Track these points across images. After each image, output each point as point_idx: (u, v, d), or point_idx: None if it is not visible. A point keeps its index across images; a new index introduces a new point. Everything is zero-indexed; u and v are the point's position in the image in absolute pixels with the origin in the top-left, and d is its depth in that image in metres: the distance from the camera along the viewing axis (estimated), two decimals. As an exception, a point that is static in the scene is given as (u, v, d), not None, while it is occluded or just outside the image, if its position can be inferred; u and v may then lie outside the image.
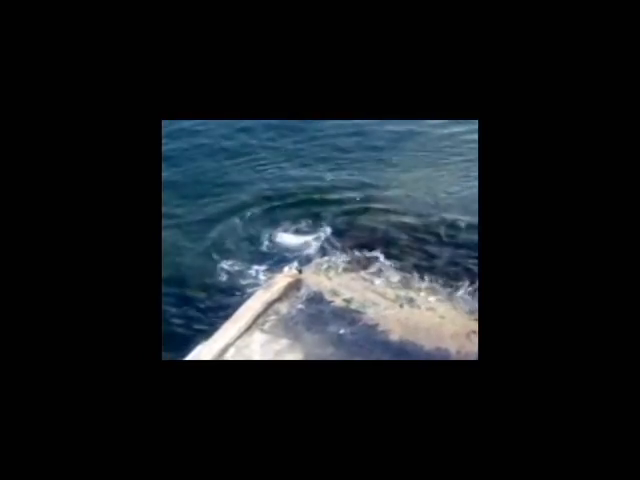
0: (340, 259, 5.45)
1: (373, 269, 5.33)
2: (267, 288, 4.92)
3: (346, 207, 6.65)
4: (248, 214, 6.63)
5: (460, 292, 5.03)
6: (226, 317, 4.74)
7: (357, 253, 5.59)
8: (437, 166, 7.46)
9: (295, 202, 6.81)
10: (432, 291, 5.04)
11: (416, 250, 5.78)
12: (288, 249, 5.98)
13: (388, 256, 5.54)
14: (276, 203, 6.79)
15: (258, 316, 4.63)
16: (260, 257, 5.93)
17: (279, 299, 4.82)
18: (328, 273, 5.20)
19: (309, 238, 6.07)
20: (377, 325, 4.61)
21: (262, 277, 5.52)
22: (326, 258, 5.51)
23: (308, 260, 5.66)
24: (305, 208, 6.66)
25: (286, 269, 5.32)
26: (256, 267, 5.70)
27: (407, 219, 6.32)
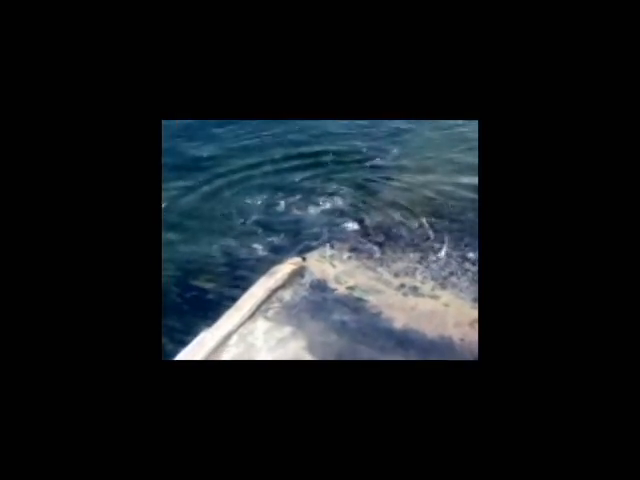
0: (345, 246, 5.47)
1: (377, 257, 5.34)
2: (270, 275, 4.92)
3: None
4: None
5: (464, 280, 5.03)
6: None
7: (362, 240, 5.61)
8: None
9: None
10: (436, 279, 5.04)
11: (422, 237, 5.77)
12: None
13: (392, 244, 5.54)
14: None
15: (261, 303, 4.63)
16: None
17: (282, 286, 4.83)
18: (332, 260, 5.21)
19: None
20: (381, 313, 4.61)
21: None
22: (330, 243, 5.54)
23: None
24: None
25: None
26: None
27: (416, 206, 6.34)
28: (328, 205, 6.38)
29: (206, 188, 6.82)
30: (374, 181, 6.90)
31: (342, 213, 6.24)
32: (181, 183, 6.86)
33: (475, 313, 4.51)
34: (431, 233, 5.73)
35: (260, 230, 6.06)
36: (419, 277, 5.04)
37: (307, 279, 4.94)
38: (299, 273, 5.00)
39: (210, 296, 5.16)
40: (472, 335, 4.33)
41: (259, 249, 5.75)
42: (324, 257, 5.24)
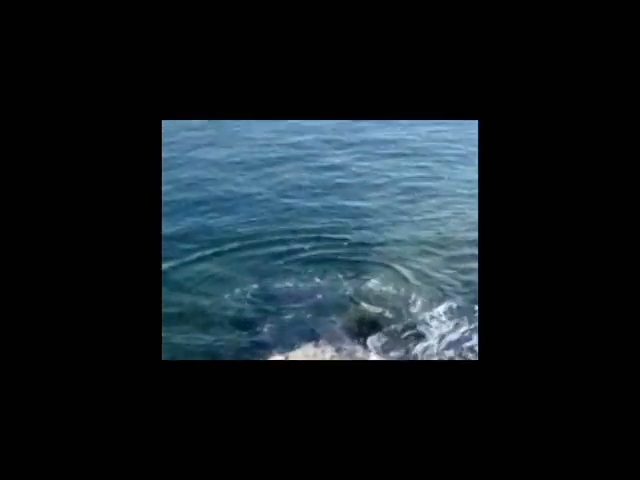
0: (329, 344, 5.25)
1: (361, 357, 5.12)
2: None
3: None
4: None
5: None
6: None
7: (348, 339, 5.40)
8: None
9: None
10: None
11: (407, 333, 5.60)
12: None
13: (378, 343, 5.34)
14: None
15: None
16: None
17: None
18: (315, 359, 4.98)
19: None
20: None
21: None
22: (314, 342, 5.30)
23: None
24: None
25: None
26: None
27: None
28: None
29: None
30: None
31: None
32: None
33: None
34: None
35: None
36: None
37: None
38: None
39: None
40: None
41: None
42: (307, 356, 5.01)
